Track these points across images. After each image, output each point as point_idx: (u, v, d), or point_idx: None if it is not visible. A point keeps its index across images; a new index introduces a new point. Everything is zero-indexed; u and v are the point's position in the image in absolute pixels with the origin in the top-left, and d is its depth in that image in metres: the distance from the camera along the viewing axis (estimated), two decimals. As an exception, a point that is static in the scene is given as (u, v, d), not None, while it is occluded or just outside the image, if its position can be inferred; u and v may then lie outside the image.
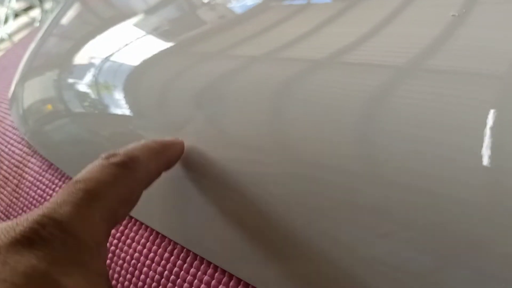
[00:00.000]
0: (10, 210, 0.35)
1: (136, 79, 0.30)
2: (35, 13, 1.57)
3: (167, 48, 0.31)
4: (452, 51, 0.19)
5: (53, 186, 0.33)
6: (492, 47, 0.19)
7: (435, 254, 0.16)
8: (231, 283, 0.21)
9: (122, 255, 0.26)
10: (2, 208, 0.36)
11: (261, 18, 0.29)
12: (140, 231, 0.26)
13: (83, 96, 0.34)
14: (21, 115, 0.39)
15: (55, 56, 0.42)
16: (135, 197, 0.18)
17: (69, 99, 0.35)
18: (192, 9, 0.35)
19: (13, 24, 1.56)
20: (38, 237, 0.13)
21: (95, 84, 0.33)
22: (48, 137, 0.36)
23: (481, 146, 0.15)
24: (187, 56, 0.29)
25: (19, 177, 0.36)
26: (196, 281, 0.23)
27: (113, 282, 0.26)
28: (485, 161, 0.15)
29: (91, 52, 0.37)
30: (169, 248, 0.24)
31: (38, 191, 0.33)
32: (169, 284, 0.23)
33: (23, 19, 1.56)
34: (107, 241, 0.16)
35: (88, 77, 0.34)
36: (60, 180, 0.33)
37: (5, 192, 0.36)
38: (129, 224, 0.27)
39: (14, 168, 0.37)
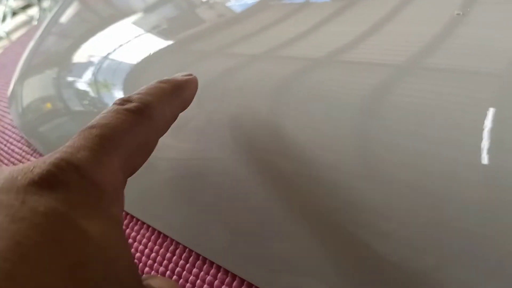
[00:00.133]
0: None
1: (135, 78, 0.30)
2: (33, 11, 1.56)
3: (166, 47, 0.31)
4: (452, 49, 0.19)
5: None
6: (491, 45, 0.19)
7: (434, 252, 0.16)
8: (234, 283, 0.21)
9: (124, 255, 0.26)
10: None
11: (260, 17, 0.29)
12: (142, 231, 0.26)
13: (82, 94, 0.34)
14: (20, 113, 0.39)
15: (54, 55, 0.42)
16: (151, 146, 0.18)
17: (69, 97, 0.35)
18: (191, 7, 0.35)
19: (11, 22, 1.55)
20: (57, 180, 0.13)
21: (94, 82, 0.33)
22: (47, 136, 0.36)
23: (481, 144, 0.15)
24: (186, 55, 0.29)
25: (18, 176, 0.35)
26: (198, 281, 0.22)
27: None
28: (485, 159, 0.15)
29: (90, 50, 0.37)
30: (171, 248, 0.24)
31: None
32: (171, 284, 0.23)
33: (21, 17, 1.55)
34: (123, 190, 0.16)
35: (87, 75, 0.34)
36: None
37: (4, 191, 0.36)
38: (131, 224, 0.26)
39: (14, 167, 0.36)
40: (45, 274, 0.11)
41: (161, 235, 0.25)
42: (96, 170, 0.14)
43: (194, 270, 0.23)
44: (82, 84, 0.34)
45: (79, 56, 0.38)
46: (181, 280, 0.23)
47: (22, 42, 0.58)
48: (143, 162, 0.17)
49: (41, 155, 0.35)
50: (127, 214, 0.27)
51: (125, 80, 0.31)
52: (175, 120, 0.19)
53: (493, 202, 0.15)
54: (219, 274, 0.22)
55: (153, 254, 0.25)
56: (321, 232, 0.18)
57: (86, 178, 0.14)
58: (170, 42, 0.31)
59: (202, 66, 0.27)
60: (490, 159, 0.15)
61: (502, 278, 0.14)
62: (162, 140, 0.25)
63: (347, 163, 0.18)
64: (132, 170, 0.17)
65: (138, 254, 0.25)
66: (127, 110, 0.16)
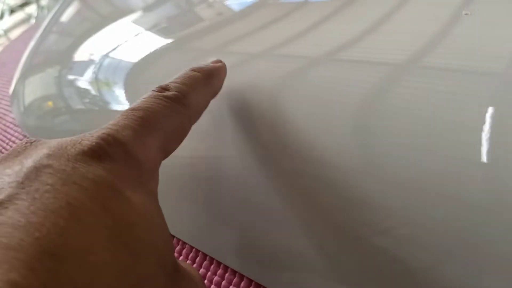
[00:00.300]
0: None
1: (135, 76, 0.30)
2: (31, 9, 1.56)
3: (166, 45, 0.31)
4: (452, 48, 0.19)
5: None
6: (492, 44, 0.19)
7: (434, 251, 0.16)
8: (242, 284, 0.21)
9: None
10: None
11: (259, 15, 0.29)
12: (148, 231, 0.26)
13: (83, 92, 0.34)
14: (23, 112, 0.39)
15: (55, 53, 0.42)
16: (185, 132, 0.19)
17: (70, 95, 0.35)
18: (191, 6, 0.35)
19: (9, 20, 1.55)
20: (104, 152, 0.14)
21: (95, 80, 0.33)
22: (50, 134, 0.36)
23: (480, 143, 0.16)
24: (186, 53, 0.29)
25: (21, 175, 0.35)
26: (206, 281, 0.22)
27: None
28: (484, 157, 0.15)
29: (91, 49, 0.37)
30: (178, 248, 0.24)
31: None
32: (178, 285, 0.23)
33: (19, 15, 1.55)
34: (158, 170, 0.17)
35: (89, 74, 0.34)
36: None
37: (6, 190, 0.36)
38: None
39: (16, 166, 0.36)
40: (93, 233, 0.12)
41: (167, 235, 0.25)
42: (138, 148, 0.15)
43: (201, 270, 0.23)
44: (84, 82, 0.34)
45: (80, 55, 0.38)
46: (188, 281, 0.23)
47: (22, 39, 0.58)
48: (177, 147, 0.18)
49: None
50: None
51: (126, 78, 0.31)
52: (207, 107, 0.20)
53: (492, 201, 0.15)
54: (227, 275, 0.22)
55: (159, 254, 0.24)
56: (329, 232, 0.18)
57: (130, 154, 0.15)
58: (170, 40, 0.31)
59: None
60: (490, 157, 0.15)
61: (504, 276, 0.14)
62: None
63: (347, 161, 0.18)
64: (167, 153, 0.18)
65: (144, 254, 0.25)
66: (166, 96, 0.18)
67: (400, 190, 0.17)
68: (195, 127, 0.21)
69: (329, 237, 0.18)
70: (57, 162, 0.13)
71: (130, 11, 0.39)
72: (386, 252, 0.17)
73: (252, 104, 0.22)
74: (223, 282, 0.22)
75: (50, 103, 0.37)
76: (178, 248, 0.24)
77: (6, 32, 1.46)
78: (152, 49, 0.31)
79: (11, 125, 0.40)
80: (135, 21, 0.37)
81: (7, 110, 0.41)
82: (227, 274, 0.22)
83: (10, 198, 0.12)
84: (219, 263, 0.22)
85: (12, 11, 1.58)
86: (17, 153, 0.14)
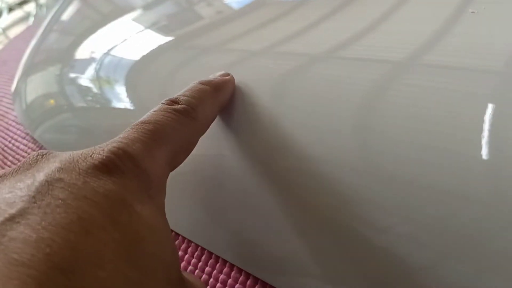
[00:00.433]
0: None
1: (136, 74, 0.30)
2: (30, 7, 1.55)
3: (167, 42, 0.31)
4: (451, 46, 0.19)
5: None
6: (489, 43, 0.19)
7: (435, 248, 0.16)
8: (248, 282, 0.21)
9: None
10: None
11: (259, 13, 0.29)
12: (153, 229, 0.26)
13: (85, 90, 0.34)
14: (25, 110, 0.39)
15: (56, 51, 0.42)
16: (193, 144, 0.19)
17: (72, 93, 0.35)
18: (191, 4, 0.35)
19: (7, 18, 1.54)
20: (115, 166, 0.14)
21: (96, 78, 0.33)
22: (52, 132, 0.36)
23: (480, 140, 0.16)
24: (186, 50, 0.29)
25: (24, 173, 0.35)
26: (211, 280, 0.22)
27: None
28: (484, 155, 0.15)
29: (93, 47, 0.37)
30: (183, 246, 0.24)
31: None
32: (184, 283, 0.23)
33: (18, 13, 1.54)
34: (166, 182, 0.17)
35: (90, 71, 0.34)
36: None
37: (9, 189, 0.35)
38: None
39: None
40: (104, 248, 0.12)
41: (173, 233, 0.25)
42: (148, 162, 0.16)
43: (207, 268, 0.23)
44: (85, 80, 0.34)
45: (82, 53, 0.38)
46: (193, 279, 0.23)
47: (23, 38, 0.57)
48: (185, 159, 0.19)
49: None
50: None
51: (127, 76, 0.31)
52: (214, 120, 0.21)
53: (494, 198, 0.15)
54: (233, 273, 0.22)
55: (165, 253, 0.24)
56: (331, 230, 0.18)
57: (140, 167, 0.15)
58: (171, 38, 0.31)
59: (202, 62, 0.27)
60: (490, 155, 0.15)
61: (504, 273, 0.14)
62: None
63: (347, 159, 0.18)
64: (175, 165, 0.18)
65: (149, 253, 0.25)
66: (175, 110, 0.18)
67: (401, 187, 0.17)
68: None
69: (331, 235, 0.18)
70: (68, 176, 0.13)
71: (131, 9, 0.39)
72: (386, 249, 0.17)
73: (252, 101, 0.22)
74: (229, 280, 0.22)
75: (52, 101, 0.37)
76: (183, 246, 0.24)
77: (5, 30, 1.45)
78: (153, 47, 0.31)
79: (13, 123, 0.40)
80: (136, 19, 0.37)
81: (9, 108, 0.41)
82: (233, 272, 0.22)
83: (22, 213, 0.12)
84: (225, 261, 0.22)
85: (10, 9, 1.58)
86: (29, 166, 0.14)
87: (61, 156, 0.15)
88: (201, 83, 0.21)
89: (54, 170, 0.14)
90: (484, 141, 0.16)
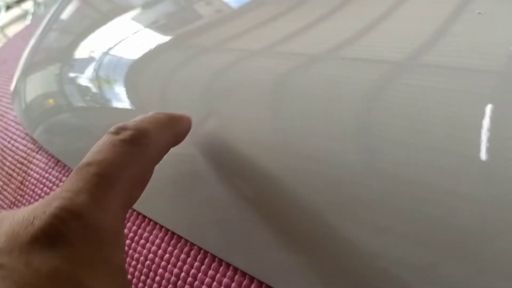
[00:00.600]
0: (15, 207, 0.34)
1: (136, 73, 0.30)
2: (28, 5, 1.54)
3: (166, 41, 0.31)
4: (450, 46, 0.19)
5: (60, 183, 0.32)
6: (489, 43, 0.19)
7: (434, 248, 0.16)
8: (252, 286, 0.21)
9: (136, 255, 0.25)
10: (6, 206, 0.35)
11: (258, 12, 0.29)
12: (155, 231, 0.25)
13: (85, 90, 0.34)
14: (24, 110, 0.39)
15: (56, 51, 0.42)
16: (148, 176, 0.17)
17: (71, 93, 0.35)
18: (190, 3, 0.35)
19: (5, 16, 1.53)
20: (59, 233, 0.13)
21: (96, 78, 0.33)
22: (51, 131, 0.36)
23: (479, 140, 0.16)
24: (185, 50, 0.29)
25: (23, 174, 0.35)
26: (215, 283, 0.22)
27: (127, 283, 0.25)
28: (483, 155, 0.15)
29: (92, 46, 0.37)
30: (186, 249, 0.24)
31: (45, 188, 0.32)
32: (186, 286, 0.23)
33: (16, 11, 1.53)
34: (124, 226, 0.16)
35: (89, 71, 0.34)
36: (67, 177, 0.32)
37: (8, 190, 0.35)
38: (143, 224, 0.26)
39: (18, 165, 0.36)
40: None
41: (175, 236, 0.25)
42: (96, 215, 0.14)
43: (210, 272, 0.22)
44: (85, 79, 0.34)
45: (81, 52, 0.37)
46: (196, 282, 0.23)
47: (22, 37, 0.57)
48: (141, 193, 0.17)
49: (47, 152, 0.35)
50: (139, 214, 0.26)
51: (127, 75, 0.31)
52: (168, 151, 0.19)
53: (491, 198, 0.15)
54: (236, 277, 0.22)
55: (167, 255, 0.24)
56: (332, 231, 0.18)
57: (88, 227, 0.14)
58: (170, 37, 0.31)
59: (201, 61, 0.27)
60: (489, 154, 0.15)
61: (504, 274, 0.14)
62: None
63: (347, 159, 0.18)
64: (131, 203, 0.16)
65: (151, 255, 0.25)
66: (122, 140, 0.16)
67: (399, 187, 0.17)
68: (197, 122, 0.21)
69: (330, 236, 0.18)
70: (8, 259, 0.12)
71: (130, 8, 0.39)
72: (384, 250, 0.17)
73: (250, 100, 0.22)
74: (233, 284, 0.21)
75: (51, 100, 0.37)
76: (186, 249, 0.24)
77: (3, 28, 1.44)
78: (152, 46, 0.31)
79: (13, 123, 0.39)
80: (136, 18, 0.37)
81: (8, 108, 0.41)
82: (236, 276, 0.22)
83: None
84: (228, 265, 0.22)
85: (8, 7, 1.57)
86: None
87: (3, 227, 0.13)
88: (155, 113, 0.19)
89: None
90: (484, 141, 0.16)
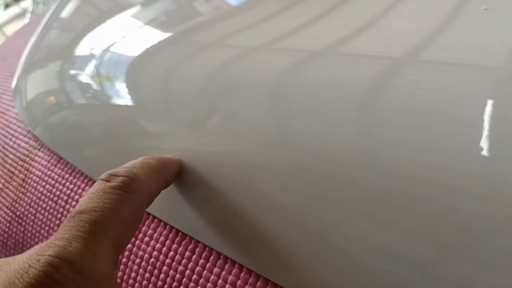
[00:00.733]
0: (17, 205, 0.34)
1: (137, 69, 0.30)
2: (27, 3, 1.54)
3: (167, 38, 0.31)
4: (450, 42, 0.19)
5: (63, 181, 0.32)
6: (495, 39, 0.19)
7: (435, 245, 0.16)
8: (258, 283, 0.21)
9: (140, 253, 0.25)
10: (8, 204, 0.35)
11: (258, 9, 0.29)
12: (159, 229, 0.25)
13: (86, 87, 0.34)
14: (25, 107, 0.38)
15: (56, 48, 0.42)
16: (139, 219, 0.19)
17: (72, 90, 0.35)
18: (189, 0, 0.35)
19: (4, 15, 1.53)
20: (53, 281, 0.14)
21: (97, 75, 0.33)
22: (52, 129, 0.36)
23: (480, 136, 0.16)
24: (186, 47, 0.29)
25: (25, 172, 0.35)
26: (220, 281, 0.22)
27: (131, 281, 0.25)
28: (484, 151, 0.15)
29: (93, 43, 0.37)
30: (191, 246, 0.24)
31: (47, 186, 0.32)
32: (192, 284, 0.23)
33: (14, 10, 1.53)
34: (117, 269, 0.17)
35: (90, 68, 0.34)
36: (70, 175, 0.32)
37: (10, 187, 0.35)
38: (147, 221, 0.26)
39: (20, 162, 0.36)
40: None
41: (179, 233, 0.24)
42: (89, 262, 0.15)
43: (216, 269, 0.22)
44: (85, 77, 0.34)
45: (82, 50, 0.37)
46: (201, 280, 0.22)
47: (22, 34, 0.57)
48: (133, 236, 0.18)
49: (49, 150, 0.34)
50: (143, 211, 0.26)
51: (128, 72, 0.31)
52: (158, 194, 0.20)
53: (491, 195, 0.15)
54: (242, 274, 0.21)
55: (172, 253, 0.24)
56: (336, 227, 0.18)
57: (82, 273, 0.14)
58: (171, 34, 0.31)
59: (202, 58, 0.27)
60: (489, 151, 0.15)
61: (506, 270, 0.14)
62: (178, 132, 0.25)
63: (348, 155, 0.18)
64: (124, 246, 0.17)
65: (155, 253, 0.25)
66: (113, 188, 0.17)
67: (400, 183, 0.17)
68: (198, 119, 0.21)
69: (335, 232, 0.18)
70: None
71: (130, 5, 0.39)
72: (388, 246, 0.17)
73: (250, 97, 0.22)
74: (239, 282, 0.21)
75: (52, 98, 0.37)
76: (191, 246, 0.24)
77: (1, 26, 1.44)
78: (153, 43, 0.31)
79: (14, 121, 0.39)
80: (136, 15, 0.37)
81: (9, 105, 0.41)
82: (242, 274, 0.21)
83: None
84: (234, 262, 0.22)
85: (7, 5, 1.57)
86: None
87: (0, 276, 0.14)
88: (145, 158, 0.20)
89: None
90: (485, 138, 0.16)
